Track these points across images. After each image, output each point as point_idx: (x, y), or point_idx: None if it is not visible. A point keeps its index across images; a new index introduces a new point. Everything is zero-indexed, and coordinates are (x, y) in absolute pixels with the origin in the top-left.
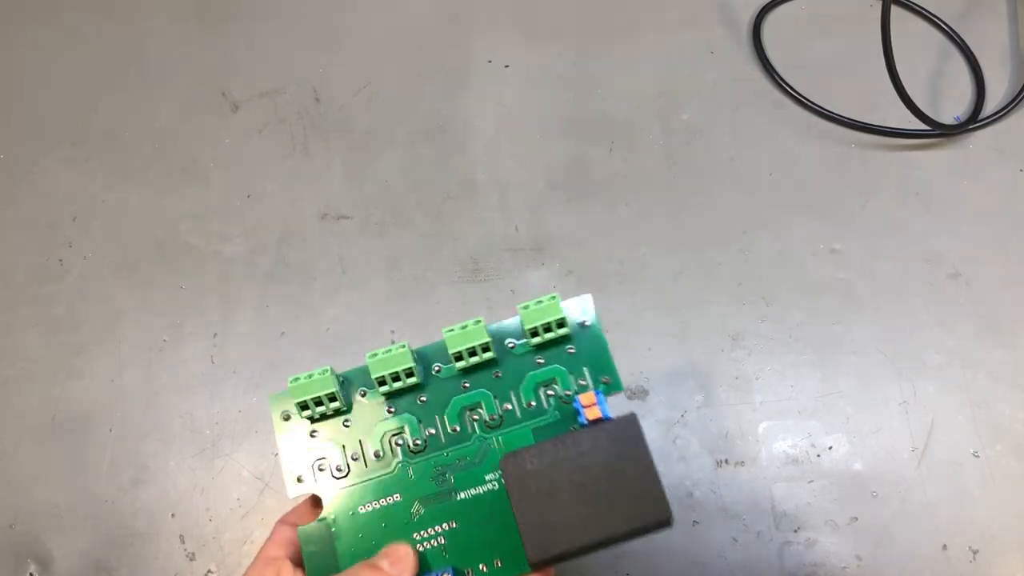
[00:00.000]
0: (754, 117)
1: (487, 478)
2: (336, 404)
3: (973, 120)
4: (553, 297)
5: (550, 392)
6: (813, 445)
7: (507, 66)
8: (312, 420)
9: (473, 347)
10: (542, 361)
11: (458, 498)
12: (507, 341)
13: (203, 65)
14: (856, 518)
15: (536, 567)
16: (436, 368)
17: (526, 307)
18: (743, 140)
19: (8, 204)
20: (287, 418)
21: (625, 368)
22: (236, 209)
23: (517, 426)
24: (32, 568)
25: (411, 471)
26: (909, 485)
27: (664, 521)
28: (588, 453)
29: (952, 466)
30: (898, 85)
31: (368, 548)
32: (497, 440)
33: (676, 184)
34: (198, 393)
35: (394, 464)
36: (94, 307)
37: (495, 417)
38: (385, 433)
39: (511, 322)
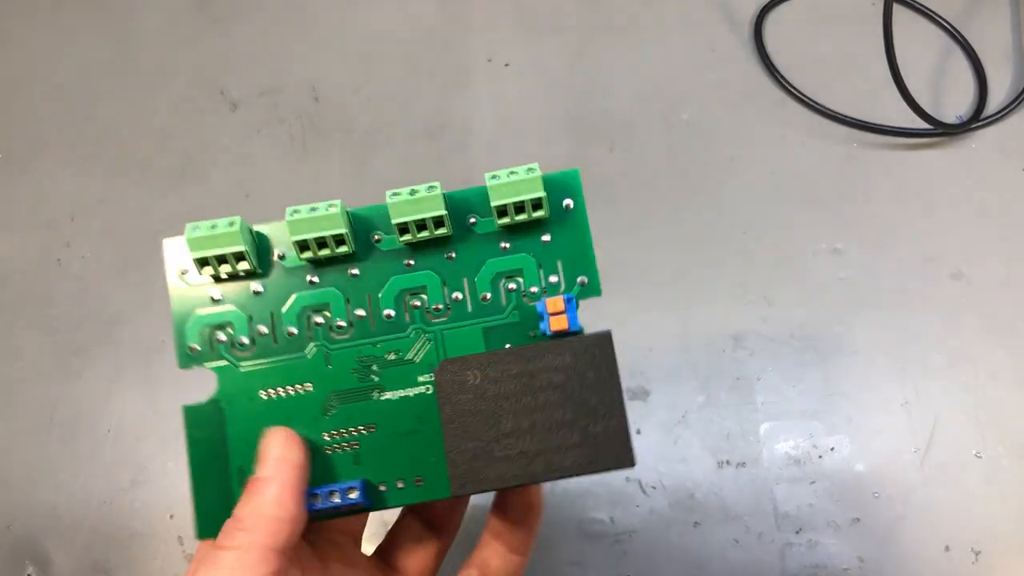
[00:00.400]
0: (755, 116)
1: (420, 379)
2: (245, 265)
3: (975, 119)
4: (531, 168)
5: (512, 286)
6: (815, 446)
7: (507, 65)
8: (215, 280)
9: (423, 219)
10: (507, 247)
11: (382, 398)
12: (469, 216)
13: (202, 64)
14: (858, 519)
15: (459, 497)
16: (376, 237)
17: (495, 177)
18: (744, 139)
19: (6, 204)
20: (184, 272)
21: (626, 368)
22: (235, 208)
23: (466, 322)
24: (30, 569)
25: (329, 358)
26: (911, 486)
27: (624, 466)
28: (543, 372)
29: (954, 467)
30: (900, 84)
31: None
32: (439, 336)
33: (677, 183)
34: (197, 394)
35: (310, 347)
36: (92, 307)
37: (440, 307)
38: (304, 309)
39: (476, 191)
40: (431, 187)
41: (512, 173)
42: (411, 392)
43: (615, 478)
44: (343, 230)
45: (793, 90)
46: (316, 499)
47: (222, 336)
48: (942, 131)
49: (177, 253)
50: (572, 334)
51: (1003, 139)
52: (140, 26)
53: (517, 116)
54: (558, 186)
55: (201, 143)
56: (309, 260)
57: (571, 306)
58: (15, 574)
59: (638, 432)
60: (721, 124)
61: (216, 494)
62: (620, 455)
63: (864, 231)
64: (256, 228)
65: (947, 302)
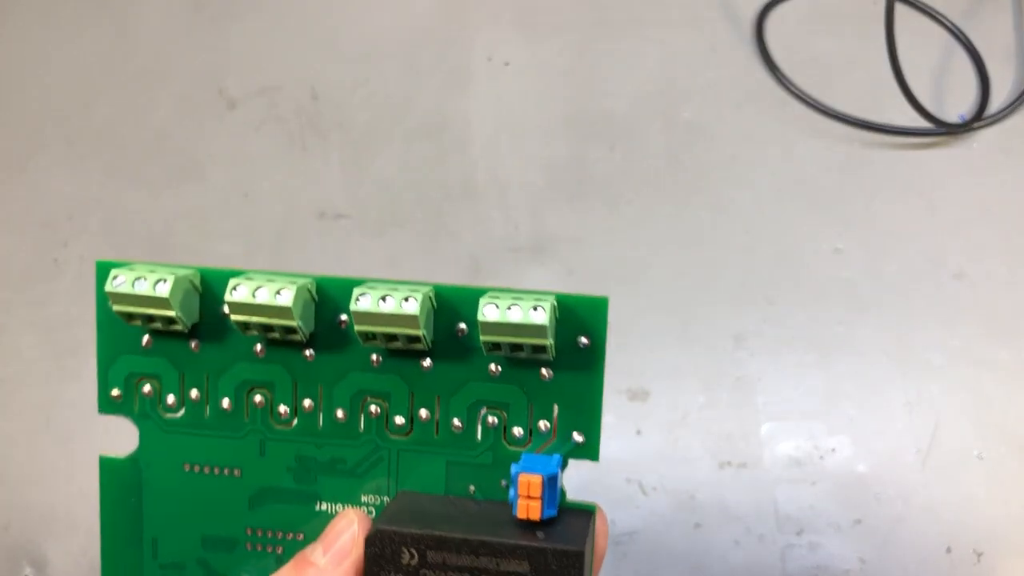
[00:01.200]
0: (757, 115)
1: (364, 499)
2: (177, 327)
3: (978, 119)
4: (538, 305)
5: (492, 420)
6: (816, 447)
7: (507, 64)
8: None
9: (394, 334)
10: (497, 371)
11: (318, 508)
12: (458, 323)
13: (199, 62)
14: (860, 520)
15: None
16: (342, 319)
17: (493, 304)
18: (745, 138)
19: (2, 203)
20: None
21: (625, 369)
22: (233, 208)
23: (428, 448)
24: (27, 570)
25: (265, 448)
26: (913, 487)
27: None
28: (494, 574)
29: (956, 468)
30: (902, 83)
31: (184, 517)
32: (394, 456)
33: (677, 183)
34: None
35: (246, 429)
36: (90, 307)
37: (402, 423)
38: (244, 383)
39: (474, 296)
40: (409, 296)
41: (514, 303)
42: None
43: (615, 479)
44: (294, 322)
45: (794, 89)
46: None
47: (148, 389)
48: (944, 131)
49: (108, 284)
50: (544, 523)
51: (1006, 139)
52: (137, 25)
53: (517, 115)
54: (576, 316)
55: (199, 142)
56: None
57: (550, 490)
58: (12, 575)
59: (638, 432)
60: (722, 123)
61: (125, 557)
62: None
63: (866, 231)
64: (204, 272)
65: (949, 302)
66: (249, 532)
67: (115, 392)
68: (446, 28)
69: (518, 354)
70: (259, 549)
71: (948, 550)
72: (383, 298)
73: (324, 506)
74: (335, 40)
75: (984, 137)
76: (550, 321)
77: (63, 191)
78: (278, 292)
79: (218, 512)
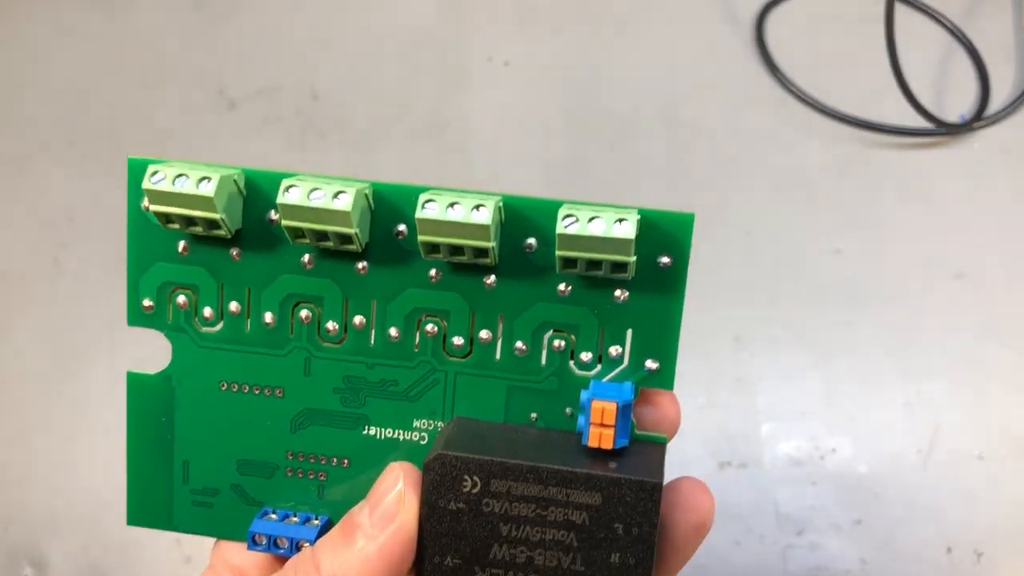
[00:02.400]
0: (757, 115)
1: (416, 424)
2: (220, 232)
3: (978, 119)
4: (622, 219)
5: (559, 344)
6: (817, 447)
7: (507, 64)
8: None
9: (461, 245)
10: (567, 291)
11: (365, 432)
12: (526, 238)
13: (200, 63)
14: (860, 521)
15: None
16: (399, 230)
17: (571, 217)
18: (745, 138)
19: (3, 204)
20: (148, 209)
21: None
22: None
23: (489, 372)
24: (27, 571)
25: (310, 367)
26: (914, 487)
27: None
28: (562, 506)
29: (957, 468)
30: (902, 83)
31: (219, 439)
32: (451, 379)
33: (678, 183)
34: None
35: (290, 346)
36: (90, 308)
37: (461, 343)
38: (289, 296)
39: (546, 207)
40: (480, 204)
41: (595, 217)
42: (401, 435)
43: None
44: (351, 230)
45: (795, 89)
46: (260, 539)
47: (183, 300)
48: (944, 131)
49: (142, 179)
50: (615, 453)
51: (1006, 138)
52: (137, 25)
53: (517, 115)
54: (658, 233)
55: (199, 142)
56: (315, 250)
57: (624, 418)
58: (12, 575)
59: None
60: (722, 123)
61: (154, 481)
62: None
63: (866, 231)
64: (250, 175)
65: (950, 302)
66: (290, 456)
67: (147, 303)
68: (446, 28)
69: (594, 272)
70: (300, 476)
71: (948, 550)
72: (451, 205)
73: (373, 431)
74: (335, 40)
75: (984, 137)
76: (635, 235)
77: (63, 191)
78: (335, 196)
79: (256, 434)
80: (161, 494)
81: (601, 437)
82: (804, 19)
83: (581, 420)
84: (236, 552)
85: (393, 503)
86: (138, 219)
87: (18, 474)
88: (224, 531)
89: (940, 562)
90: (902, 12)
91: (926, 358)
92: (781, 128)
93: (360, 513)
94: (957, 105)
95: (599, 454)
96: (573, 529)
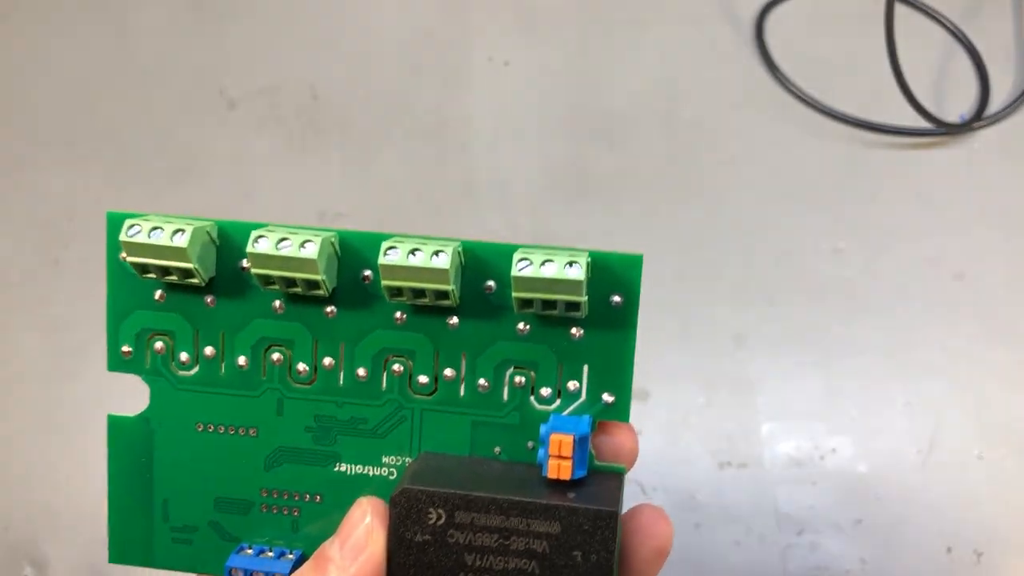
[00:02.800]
0: (757, 115)
1: (385, 460)
2: (195, 280)
3: (978, 119)
4: (573, 261)
5: (519, 380)
6: (817, 447)
7: (507, 64)
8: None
9: (422, 289)
10: (526, 330)
11: (337, 469)
12: (486, 280)
13: (200, 62)
14: (860, 520)
15: None
16: (365, 275)
17: (525, 261)
18: (745, 138)
19: (3, 204)
20: (125, 259)
21: None
22: (233, 208)
23: (453, 408)
24: (28, 571)
25: (283, 407)
26: (913, 487)
27: None
28: (524, 536)
29: (957, 468)
30: (902, 83)
31: (197, 478)
32: (417, 416)
33: (678, 183)
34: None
35: (262, 388)
36: (91, 308)
37: (426, 382)
38: (262, 340)
39: (503, 251)
40: (439, 251)
41: (547, 260)
42: (371, 471)
43: None
44: (318, 276)
45: (795, 89)
46: (236, 574)
47: (160, 345)
48: (944, 131)
49: (119, 232)
50: (574, 483)
51: (1006, 139)
52: (137, 25)
53: (517, 115)
54: (609, 274)
55: (199, 142)
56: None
57: (581, 450)
58: (12, 575)
59: (639, 433)
60: (722, 123)
61: (134, 520)
62: None
63: (866, 231)
64: (223, 225)
65: (949, 302)
66: (264, 494)
67: (125, 348)
68: (446, 28)
69: (550, 312)
70: (274, 512)
71: (948, 550)
72: (413, 252)
73: (344, 467)
74: (335, 40)
75: (984, 137)
76: (585, 277)
77: (63, 191)
78: (302, 244)
79: (232, 473)
80: (142, 532)
81: (560, 468)
82: (804, 19)
83: (541, 453)
84: None
85: (362, 535)
86: (117, 269)
87: (18, 474)
88: (203, 567)
89: (940, 562)
90: (902, 12)
91: (926, 358)
92: (781, 128)
93: (331, 547)
94: (957, 105)
95: (559, 485)
96: (535, 558)
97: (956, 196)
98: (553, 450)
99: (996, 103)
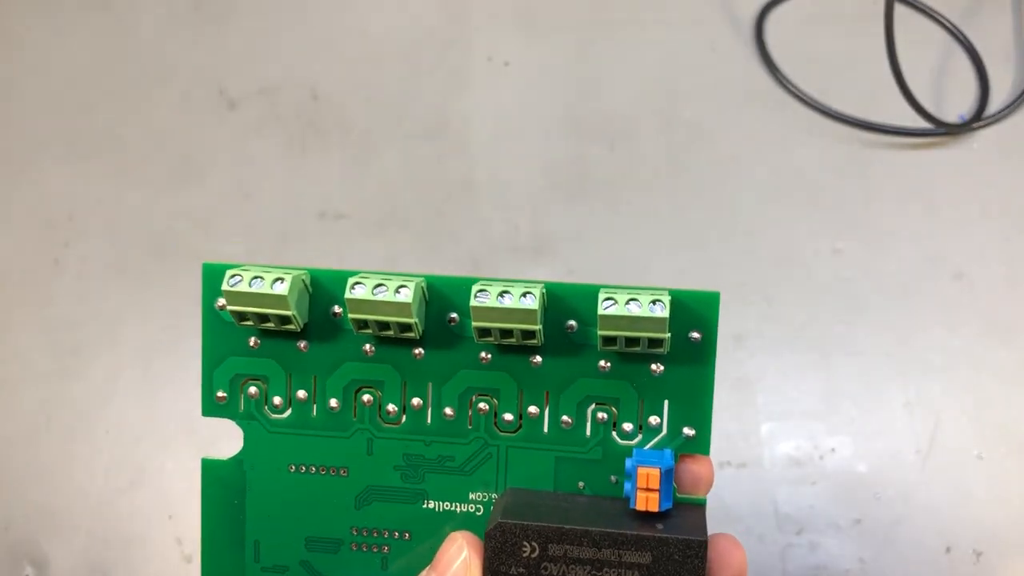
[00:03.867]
0: (756, 115)
1: (471, 496)
2: (291, 327)
3: (977, 119)
4: (656, 300)
5: (602, 416)
6: (816, 447)
7: (507, 64)
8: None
9: (510, 329)
10: (607, 367)
11: (425, 506)
12: (567, 320)
13: (200, 63)
14: (859, 520)
15: None
16: (451, 318)
17: (610, 300)
18: (745, 138)
19: (3, 204)
20: (222, 308)
21: None
22: (233, 208)
23: (537, 445)
24: (28, 570)
25: (372, 446)
26: (913, 487)
27: None
28: (615, 567)
29: (956, 468)
30: (902, 83)
31: (288, 518)
32: (503, 453)
33: (677, 183)
34: (195, 394)
35: (353, 429)
36: (91, 307)
37: (511, 419)
38: (352, 382)
39: (585, 292)
40: (527, 292)
41: (632, 299)
42: (458, 507)
43: None
44: (411, 319)
45: (794, 89)
46: None
47: (254, 390)
48: (944, 131)
49: (217, 281)
50: (660, 515)
51: (1005, 139)
52: (138, 25)
53: (517, 115)
54: (686, 311)
55: (199, 142)
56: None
57: (667, 482)
58: (12, 575)
59: None
60: (722, 123)
61: (226, 562)
62: None
63: (865, 231)
64: (316, 274)
65: (949, 302)
66: (355, 532)
67: (220, 394)
68: (446, 28)
69: (632, 349)
70: (364, 549)
71: (948, 550)
72: (502, 294)
73: (432, 504)
74: (335, 40)
75: (984, 137)
76: (669, 315)
77: (63, 191)
78: (397, 290)
79: (323, 512)
80: (233, 573)
81: (648, 500)
82: (804, 19)
83: (627, 486)
84: None
85: (460, 570)
86: (212, 318)
87: (18, 474)
88: None
89: (939, 562)
90: (902, 12)
91: (925, 358)
92: (781, 128)
93: None
94: (957, 105)
95: (646, 517)
96: None
97: (956, 196)
98: (641, 483)
99: (996, 103)
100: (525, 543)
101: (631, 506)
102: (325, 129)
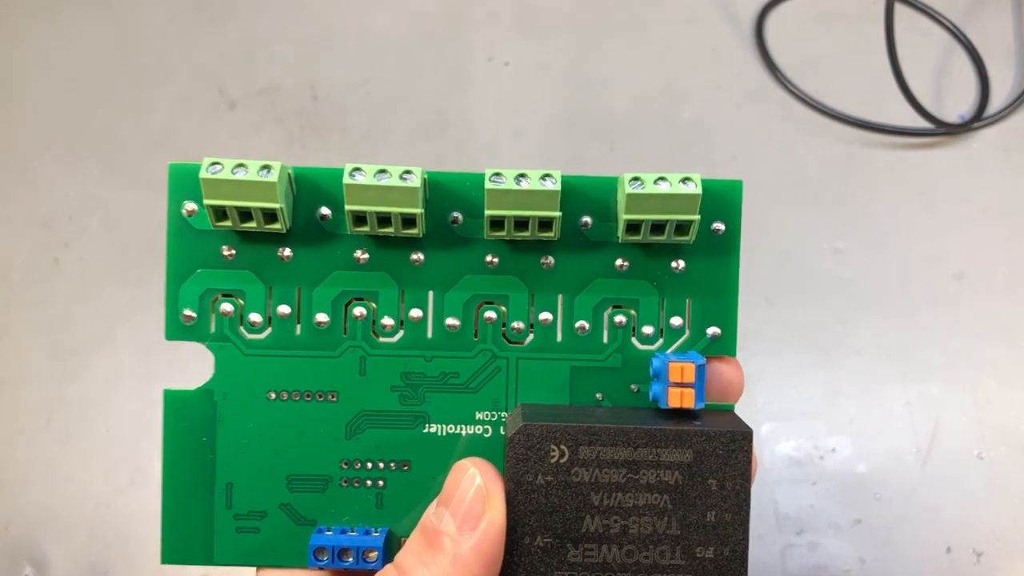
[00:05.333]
0: (756, 115)
1: (479, 416)
2: (276, 226)
3: (978, 119)
4: (688, 179)
5: (620, 319)
6: (816, 447)
7: (507, 64)
8: (231, 231)
9: (527, 216)
10: (624, 266)
11: (426, 431)
12: (583, 216)
13: (200, 63)
14: (859, 520)
15: None
16: (454, 218)
17: (638, 181)
18: (745, 138)
19: (3, 203)
20: (190, 213)
21: None
22: None
23: (551, 355)
24: (28, 570)
25: (366, 365)
26: (913, 487)
27: None
28: (653, 467)
29: (956, 468)
30: (902, 83)
31: (266, 455)
32: (512, 365)
33: None
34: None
35: (343, 346)
36: (90, 307)
37: (521, 328)
38: (343, 293)
39: (603, 184)
40: (548, 175)
41: (661, 179)
42: (463, 430)
43: None
44: (418, 209)
45: (794, 89)
46: (321, 554)
47: (228, 307)
48: (944, 131)
49: (185, 184)
50: (694, 415)
51: (1005, 138)
52: (137, 24)
53: (517, 115)
54: (710, 200)
55: (199, 142)
56: (363, 234)
57: (700, 378)
58: (12, 575)
59: None
60: (722, 123)
61: (192, 511)
62: None
63: (866, 231)
64: (300, 171)
65: (949, 302)
66: (345, 466)
67: (187, 312)
68: (446, 28)
69: (656, 238)
70: (356, 485)
71: (948, 550)
72: (519, 178)
73: (433, 428)
74: (335, 40)
75: (984, 137)
76: (701, 193)
77: (63, 191)
78: (402, 176)
79: (308, 446)
80: (201, 525)
81: (683, 396)
82: (804, 19)
83: (655, 388)
84: None
85: (477, 503)
86: (179, 225)
87: (18, 474)
88: (271, 558)
89: (940, 562)
90: (902, 12)
91: (925, 358)
92: (781, 128)
93: (440, 519)
94: (957, 105)
95: (680, 415)
96: (666, 491)
97: (956, 196)
98: (675, 377)
99: (996, 103)
100: (553, 447)
101: (662, 406)
102: (325, 129)
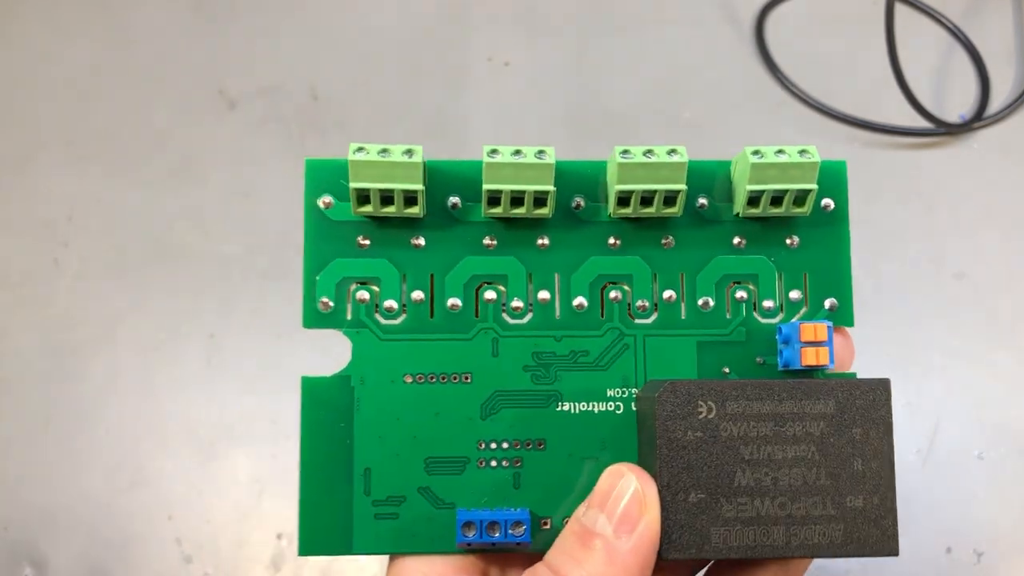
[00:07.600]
0: (757, 115)
1: (609, 393)
2: (414, 210)
3: (978, 119)
4: (805, 150)
5: (741, 295)
6: None
7: (507, 64)
8: (368, 219)
9: (652, 192)
10: (742, 244)
11: (558, 409)
12: (700, 195)
13: (199, 62)
14: None
15: (666, 562)
16: (576, 202)
17: (758, 153)
18: (745, 138)
19: (3, 204)
20: (327, 205)
21: None
22: (233, 208)
23: (676, 331)
24: (27, 571)
25: (498, 347)
26: (913, 487)
27: (885, 553)
28: (798, 419)
29: (956, 468)
30: (902, 83)
31: (402, 439)
32: (640, 343)
33: None
34: (195, 394)
35: (476, 329)
36: (90, 307)
37: (646, 306)
38: (473, 278)
39: (721, 164)
40: (674, 150)
41: (780, 152)
42: (596, 407)
43: None
44: (550, 187)
45: (794, 89)
46: (469, 529)
47: (364, 295)
48: (944, 131)
49: (321, 178)
50: (825, 372)
51: (1006, 138)
52: (137, 25)
53: (517, 115)
54: (819, 178)
55: (199, 142)
56: (494, 217)
57: (831, 336)
58: (12, 575)
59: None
60: (722, 123)
61: (331, 500)
62: (882, 541)
63: (866, 231)
64: (432, 164)
65: (949, 302)
66: (482, 447)
67: (325, 301)
68: (446, 28)
69: (775, 211)
70: (493, 466)
71: (948, 550)
72: (647, 152)
73: (566, 406)
74: (335, 40)
75: (984, 137)
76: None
77: (63, 191)
78: (537, 154)
79: (445, 427)
80: (339, 514)
81: (818, 354)
82: (804, 19)
83: (786, 353)
84: (416, 569)
85: (634, 507)
86: (316, 217)
87: (18, 474)
88: (412, 543)
89: (940, 562)
90: (902, 12)
91: (925, 358)
92: (781, 128)
93: (595, 519)
94: (957, 105)
95: (812, 372)
96: (813, 442)
97: (956, 196)
98: (807, 336)
99: (996, 103)
100: (700, 402)
101: (795, 366)
102: (325, 129)
